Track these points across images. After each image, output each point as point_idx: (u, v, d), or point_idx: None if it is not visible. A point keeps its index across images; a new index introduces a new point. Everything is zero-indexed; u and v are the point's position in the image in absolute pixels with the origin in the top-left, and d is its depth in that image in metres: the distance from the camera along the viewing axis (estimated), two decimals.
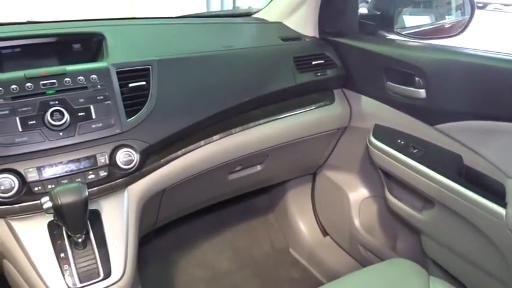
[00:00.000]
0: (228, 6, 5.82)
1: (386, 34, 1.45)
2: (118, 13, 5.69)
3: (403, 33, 1.42)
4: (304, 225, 1.85)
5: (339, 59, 1.39)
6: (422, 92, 1.19)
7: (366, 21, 1.46)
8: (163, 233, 1.71)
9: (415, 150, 1.22)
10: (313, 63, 1.33)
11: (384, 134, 1.31)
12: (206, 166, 1.18)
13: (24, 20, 1.30)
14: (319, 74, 1.33)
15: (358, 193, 1.59)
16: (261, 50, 1.32)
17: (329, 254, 1.74)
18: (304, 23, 1.45)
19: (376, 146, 1.29)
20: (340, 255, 1.71)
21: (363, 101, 1.41)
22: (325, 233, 1.82)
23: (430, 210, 1.21)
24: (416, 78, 1.20)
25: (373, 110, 1.38)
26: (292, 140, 1.37)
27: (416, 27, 1.57)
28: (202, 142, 1.14)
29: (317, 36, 1.46)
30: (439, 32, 1.57)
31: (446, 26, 1.60)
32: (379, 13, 1.45)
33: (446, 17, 1.67)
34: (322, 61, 1.35)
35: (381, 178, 1.38)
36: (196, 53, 1.18)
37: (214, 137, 1.16)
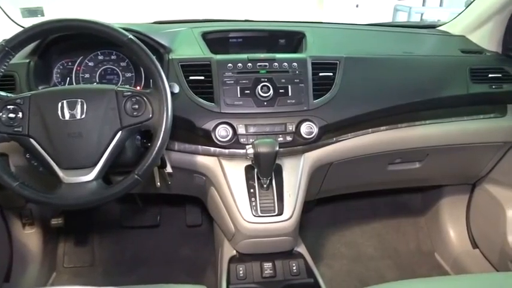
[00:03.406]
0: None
1: None
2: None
3: None
4: (455, 234, 1.88)
5: None
6: None
7: None
8: (321, 206, 1.94)
9: None
10: (490, 76, 1.38)
11: None
12: (369, 151, 1.36)
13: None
14: (493, 87, 1.37)
15: None
16: (438, 58, 1.43)
17: (475, 266, 1.74)
18: (488, 38, 1.50)
19: None
20: (487, 269, 1.70)
21: None
22: (475, 245, 1.81)
23: None
24: None
25: None
26: (454, 144, 1.45)
27: None
28: (370, 130, 1.32)
29: (499, 51, 1.49)
30: None
31: None
32: None
33: None
34: (500, 75, 1.38)
35: None
36: (379, 55, 1.37)
37: (382, 128, 1.33)
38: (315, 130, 1.19)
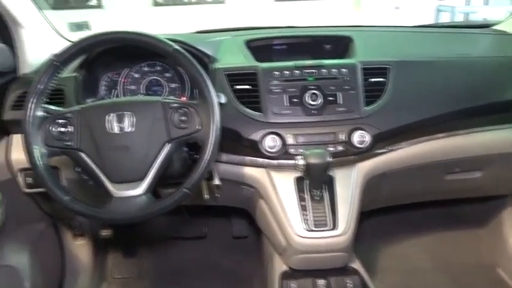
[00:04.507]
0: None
1: None
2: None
3: None
4: None
5: None
6: None
7: None
8: (371, 218, 1.86)
9: None
10: None
11: None
12: (425, 160, 1.28)
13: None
14: None
15: None
16: (497, 59, 1.34)
17: None
18: None
19: None
20: None
21: None
22: None
23: None
24: None
25: None
26: None
27: None
28: (425, 137, 1.25)
29: None
30: None
31: None
32: None
33: None
34: None
35: None
36: (432, 58, 1.29)
37: (439, 135, 1.25)
38: (368, 139, 1.13)
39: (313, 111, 1.14)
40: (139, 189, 0.97)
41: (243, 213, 1.50)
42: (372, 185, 1.22)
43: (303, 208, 1.11)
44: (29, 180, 1.27)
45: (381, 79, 1.19)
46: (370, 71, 1.20)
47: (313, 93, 1.14)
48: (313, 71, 1.18)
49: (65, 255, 1.66)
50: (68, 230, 1.68)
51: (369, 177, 1.20)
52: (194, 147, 1.11)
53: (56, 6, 5.46)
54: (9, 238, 1.34)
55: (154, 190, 1.01)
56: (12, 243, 1.37)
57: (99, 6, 5.88)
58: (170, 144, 0.99)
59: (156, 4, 6.15)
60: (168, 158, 0.99)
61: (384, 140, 1.18)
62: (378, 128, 1.14)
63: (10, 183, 1.27)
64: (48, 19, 1.42)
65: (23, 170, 1.27)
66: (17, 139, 1.25)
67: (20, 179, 1.28)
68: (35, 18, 1.34)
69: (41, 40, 1.36)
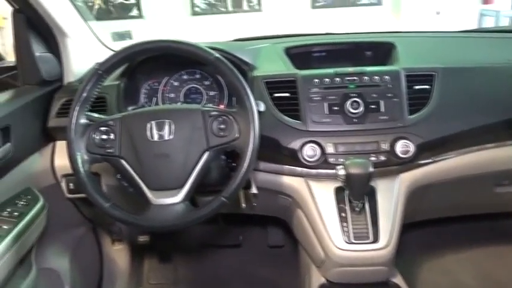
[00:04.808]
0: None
1: None
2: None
3: None
4: None
5: None
6: None
7: None
8: (412, 230, 1.80)
9: None
10: None
11: None
12: (473, 172, 1.22)
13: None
14: None
15: None
16: None
17: None
18: None
19: None
20: None
21: None
22: None
23: None
24: None
25: None
26: None
27: None
28: (474, 148, 1.19)
29: None
30: None
31: None
32: None
33: None
34: None
35: None
36: (479, 64, 1.24)
37: (488, 145, 1.19)
38: (412, 148, 1.08)
39: (354, 120, 1.11)
40: (178, 197, 0.97)
41: (279, 222, 1.48)
42: (415, 197, 1.17)
43: (343, 219, 1.08)
44: (71, 186, 1.30)
45: (426, 86, 1.15)
46: (414, 78, 1.15)
47: (355, 101, 1.11)
48: (355, 78, 1.15)
49: (103, 260, 1.69)
50: (107, 235, 1.71)
51: (412, 188, 1.16)
52: (232, 155, 1.10)
53: (99, 17, 5.67)
54: (51, 242, 1.37)
55: (192, 198, 1.01)
56: (54, 246, 1.41)
57: (139, 16, 6.05)
58: (209, 153, 0.98)
59: (195, 13, 6.27)
60: (206, 166, 0.99)
61: (428, 150, 1.14)
62: (422, 138, 1.10)
63: (54, 189, 1.31)
64: (92, 29, 1.46)
65: (66, 175, 1.30)
66: (61, 146, 1.28)
67: (63, 184, 1.32)
68: (80, 28, 1.38)
69: (86, 50, 1.40)
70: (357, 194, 1.06)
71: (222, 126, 0.98)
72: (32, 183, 1.21)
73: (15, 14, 1.20)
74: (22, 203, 1.13)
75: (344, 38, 1.51)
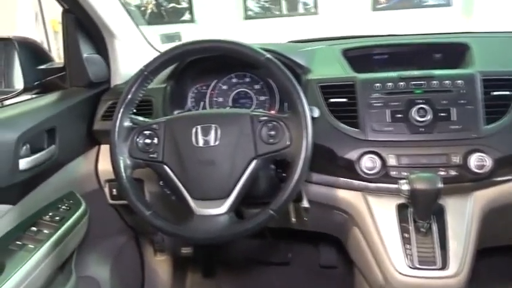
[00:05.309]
0: None
1: None
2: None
3: None
4: None
5: None
6: None
7: None
8: (486, 256, 1.62)
9: None
10: None
11: None
12: None
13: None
14: None
15: None
16: None
17: None
18: None
19: None
20: None
21: None
22: None
23: None
24: None
25: None
26: None
27: None
28: None
29: None
30: None
31: None
32: None
33: None
34: None
35: None
36: None
37: None
38: (488, 163, 0.94)
39: (420, 129, 0.99)
40: (222, 208, 0.89)
41: (333, 240, 1.36)
42: (491, 219, 1.02)
43: (406, 241, 0.95)
44: (114, 192, 1.26)
45: (507, 92, 1.00)
46: (492, 82, 1.01)
47: (421, 108, 0.98)
48: (422, 82, 1.02)
49: (145, 270, 1.65)
50: (149, 244, 1.66)
51: (488, 208, 1.01)
52: (282, 164, 1.01)
53: (151, 22, 5.76)
54: (92, 249, 1.34)
55: (237, 210, 0.93)
56: (94, 254, 1.38)
57: (191, 21, 6.08)
58: (257, 161, 0.90)
59: (247, 17, 6.22)
60: (254, 175, 0.91)
61: (508, 165, 0.99)
62: (501, 151, 0.96)
63: (97, 194, 1.28)
64: (141, 31, 1.43)
65: (109, 181, 1.27)
66: (105, 150, 1.25)
67: (106, 190, 1.28)
68: (129, 30, 1.35)
69: (134, 51, 1.37)
70: (422, 213, 0.93)
71: (272, 132, 0.90)
72: (75, 188, 1.18)
73: (65, 14, 1.19)
74: (64, 207, 1.10)
75: (409, 40, 1.38)
